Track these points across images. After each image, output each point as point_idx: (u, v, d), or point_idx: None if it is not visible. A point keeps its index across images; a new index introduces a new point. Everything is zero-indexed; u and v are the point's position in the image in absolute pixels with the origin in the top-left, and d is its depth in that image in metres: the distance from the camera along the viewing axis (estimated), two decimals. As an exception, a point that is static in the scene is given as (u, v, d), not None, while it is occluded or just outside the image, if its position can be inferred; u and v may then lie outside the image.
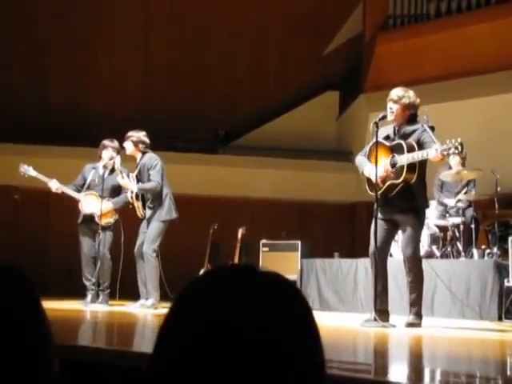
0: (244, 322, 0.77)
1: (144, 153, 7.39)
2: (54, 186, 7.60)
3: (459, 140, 5.06)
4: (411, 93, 5.48)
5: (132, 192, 7.29)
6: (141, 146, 7.36)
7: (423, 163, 5.35)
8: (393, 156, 5.39)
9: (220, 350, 0.76)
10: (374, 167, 5.43)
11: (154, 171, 7.24)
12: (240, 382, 0.75)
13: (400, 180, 5.32)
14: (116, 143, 7.61)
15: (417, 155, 5.19)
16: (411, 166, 5.30)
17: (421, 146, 5.27)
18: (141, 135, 7.40)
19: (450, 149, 5.04)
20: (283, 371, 0.77)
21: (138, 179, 7.35)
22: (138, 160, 7.42)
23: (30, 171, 7.71)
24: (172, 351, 0.79)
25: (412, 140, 5.35)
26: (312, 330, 0.82)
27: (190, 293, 0.82)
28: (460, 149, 5.07)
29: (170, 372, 0.78)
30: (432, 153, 5.06)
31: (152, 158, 7.35)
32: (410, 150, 5.27)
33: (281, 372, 0.77)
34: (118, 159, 7.38)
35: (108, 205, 7.46)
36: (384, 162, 5.41)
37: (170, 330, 0.81)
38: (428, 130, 5.34)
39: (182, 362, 0.77)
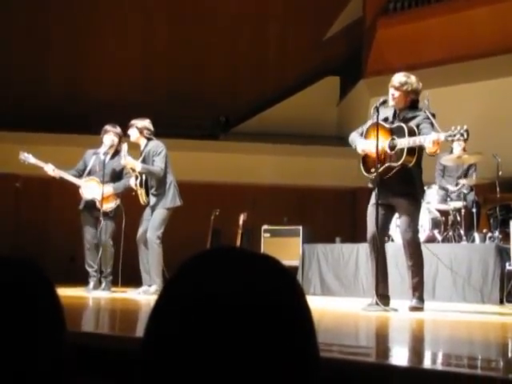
0: (230, 305, 0.77)
1: (149, 139, 7.41)
2: (50, 169, 7.57)
3: (465, 127, 5.01)
4: (413, 78, 5.43)
5: (136, 178, 7.30)
6: (146, 132, 7.38)
7: (421, 150, 5.32)
8: (392, 139, 5.36)
9: (208, 331, 0.77)
10: (366, 142, 5.43)
11: (158, 158, 7.26)
12: (229, 363, 0.76)
13: (399, 163, 5.27)
14: (118, 129, 7.61)
15: (419, 140, 5.13)
16: (411, 150, 5.27)
17: (419, 133, 5.24)
18: (145, 122, 7.42)
19: (455, 135, 4.99)
20: (272, 351, 0.78)
21: None
22: (142, 147, 7.42)
23: (30, 159, 7.71)
24: (160, 335, 0.80)
25: (413, 125, 5.33)
26: (302, 311, 0.83)
27: (177, 278, 0.83)
28: (466, 136, 5.00)
29: (160, 356, 0.79)
30: (433, 137, 4.97)
31: (157, 145, 7.36)
32: (411, 133, 5.24)
33: (269, 352, 0.77)
34: (125, 146, 7.34)
35: (108, 189, 7.46)
36: (382, 143, 5.38)
37: (158, 314, 0.82)
38: (431, 117, 5.30)
39: (169, 345, 0.78)
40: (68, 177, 7.59)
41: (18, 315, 0.95)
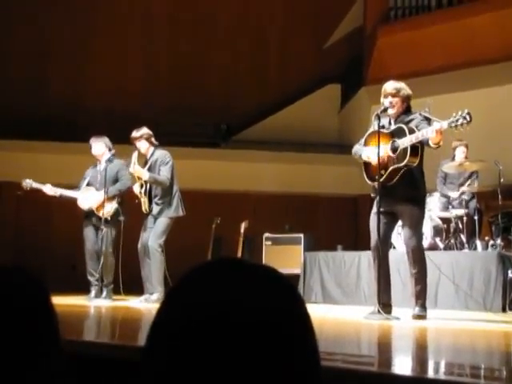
0: (231, 315, 0.78)
1: (155, 148, 7.43)
2: (48, 189, 7.71)
3: (466, 110, 4.96)
4: (404, 85, 5.49)
5: (142, 186, 7.31)
6: (153, 139, 7.43)
7: (423, 150, 5.30)
8: (393, 141, 5.34)
9: (207, 342, 0.76)
10: (372, 149, 5.41)
11: (165, 167, 7.29)
12: (229, 371, 0.76)
13: (403, 163, 5.24)
14: (104, 138, 7.66)
15: (421, 134, 5.10)
16: (415, 149, 5.24)
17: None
18: (146, 130, 7.45)
19: (458, 120, 4.95)
20: (273, 362, 0.77)
21: None
22: (148, 156, 7.44)
23: (31, 184, 7.83)
24: (161, 345, 0.80)
25: (412, 126, 5.32)
26: (303, 321, 0.83)
27: (179, 288, 0.84)
28: (469, 118, 4.91)
29: (161, 364, 0.79)
30: (436, 126, 4.93)
31: (165, 155, 7.39)
32: (412, 133, 5.21)
33: (270, 363, 0.77)
34: (135, 154, 7.35)
35: (101, 195, 7.49)
36: (384, 148, 5.36)
37: (159, 324, 0.83)
38: (428, 116, 5.30)
39: (171, 355, 0.78)
40: (66, 192, 7.71)
41: (11, 322, 0.95)
